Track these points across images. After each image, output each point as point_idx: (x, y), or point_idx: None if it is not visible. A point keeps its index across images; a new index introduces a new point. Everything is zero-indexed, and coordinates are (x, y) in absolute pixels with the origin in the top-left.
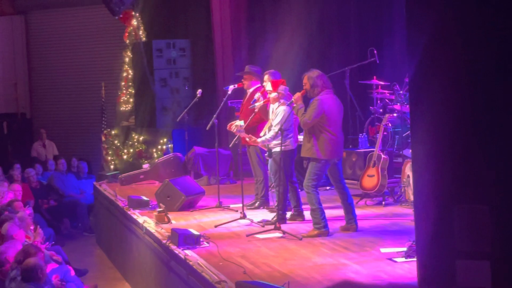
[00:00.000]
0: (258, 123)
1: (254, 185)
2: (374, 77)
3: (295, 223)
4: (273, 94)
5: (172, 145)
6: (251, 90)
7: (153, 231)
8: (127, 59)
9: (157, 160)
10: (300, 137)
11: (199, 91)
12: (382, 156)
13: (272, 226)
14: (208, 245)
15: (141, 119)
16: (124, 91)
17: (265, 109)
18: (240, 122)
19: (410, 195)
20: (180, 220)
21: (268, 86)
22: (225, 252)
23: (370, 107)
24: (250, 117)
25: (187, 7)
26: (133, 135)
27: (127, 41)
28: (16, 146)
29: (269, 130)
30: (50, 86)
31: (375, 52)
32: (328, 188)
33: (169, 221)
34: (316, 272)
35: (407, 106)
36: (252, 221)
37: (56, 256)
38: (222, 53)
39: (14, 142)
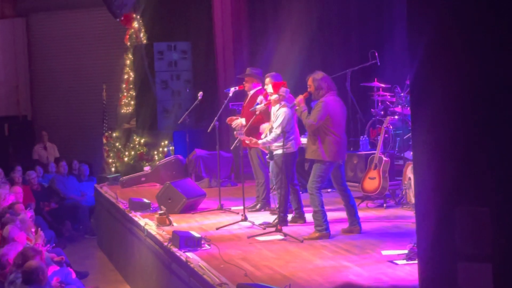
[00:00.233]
0: (259, 124)
1: (255, 187)
2: (375, 79)
3: (296, 225)
4: (274, 96)
5: (173, 148)
6: (252, 92)
7: (154, 233)
8: (128, 62)
9: (158, 163)
10: (303, 140)
11: (200, 93)
12: (383, 158)
13: (274, 229)
14: (209, 247)
15: (142, 122)
16: (125, 94)
17: (267, 111)
18: (241, 120)
19: (412, 197)
20: (181, 223)
21: (269, 88)
22: (226, 254)
23: (371, 110)
24: (252, 119)
25: (188, 9)
26: (134, 137)
27: (128, 43)
28: (17, 148)
29: (270, 132)
30: (51, 89)
31: (376, 54)
32: (329, 190)
33: (170, 224)
34: (317, 274)
35: (408, 108)
36: (253, 223)
37: (57, 258)
38: (223, 55)
39: (15, 144)
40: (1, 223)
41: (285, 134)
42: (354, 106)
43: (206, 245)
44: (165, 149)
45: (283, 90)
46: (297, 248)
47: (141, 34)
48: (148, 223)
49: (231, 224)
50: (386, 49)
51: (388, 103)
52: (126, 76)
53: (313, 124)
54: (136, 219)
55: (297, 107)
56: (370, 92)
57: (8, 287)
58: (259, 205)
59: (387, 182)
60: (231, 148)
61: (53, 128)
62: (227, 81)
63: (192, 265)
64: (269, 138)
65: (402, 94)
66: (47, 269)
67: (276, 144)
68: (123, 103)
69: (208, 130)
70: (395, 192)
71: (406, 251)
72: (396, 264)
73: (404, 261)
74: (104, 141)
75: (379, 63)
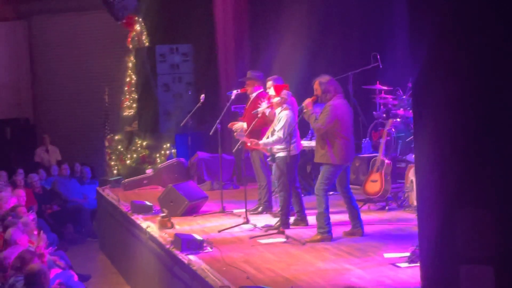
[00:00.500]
0: (261, 127)
1: (257, 190)
2: (377, 82)
3: (298, 228)
4: (276, 99)
5: (175, 150)
6: (254, 95)
7: (156, 236)
8: (130, 64)
9: (160, 165)
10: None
11: (202, 96)
12: (386, 161)
13: (276, 231)
14: (211, 250)
15: (144, 124)
16: (127, 96)
17: (272, 114)
18: (242, 124)
19: (414, 200)
20: (184, 225)
21: (271, 91)
22: (229, 257)
23: (373, 112)
24: (254, 122)
25: (190, 12)
26: (137, 140)
27: (130, 46)
28: (19, 151)
29: (272, 135)
30: (53, 91)
31: (378, 57)
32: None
33: (172, 226)
34: (319, 277)
35: (410, 111)
36: (255, 226)
37: (59, 261)
38: (225, 58)
39: (17, 147)
40: (3, 226)
41: (291, 137)
42: (356, 108)
43: (208, 248)
44: (167, 152)
45: (284, 93)
46: (299, 251)
47: (143, 37)
48: (150, 226)
49: (233, 227)
50: (388, 52)
51: (390, 106)
52: (128, 79)
53: (320, 128)
54: (138, 221)
55: (305, 110)
56: (372, 94)
57: None
58: (261, 207)
59: (389, 184)
60: (233, 150)
61: (55, 130)
62: (229, 84)
63: (194, 268)
64: (270, 139)
65: (404, 96)
66: (49, 272)
67: (278, 146)
68: (125, 105)
69: (210, 133)
70: (397, 194)
71: (408, 254)
72: (398, 266)
73: (406, 264)
74: (106, 143)
75: (381, 66)
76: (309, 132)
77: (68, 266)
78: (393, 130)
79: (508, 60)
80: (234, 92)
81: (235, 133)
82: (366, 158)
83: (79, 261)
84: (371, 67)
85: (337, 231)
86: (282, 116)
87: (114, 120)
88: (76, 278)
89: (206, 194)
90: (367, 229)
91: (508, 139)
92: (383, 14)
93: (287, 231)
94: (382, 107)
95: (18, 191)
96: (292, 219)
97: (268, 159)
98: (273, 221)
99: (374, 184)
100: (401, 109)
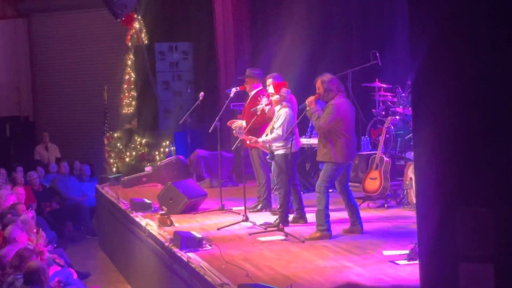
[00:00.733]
0: (260, 125)
1: (256, 187)
2: (377, 79)
3: (298, 225)
4: (275, 97)
5: (174, 148)
6: (253, 93)
7: (155, 233)
8: (129, 62)
9: (160, 163)
10: (303, 140)
11: (201, 94)
12: (385, 158)
13: (275, 229)
14: (210, 247)
15: (144, 122)
16: (127, 94)
17: (271, 112)
18: (241, 122)
19: (413, 197)
20: (183, 223)
21: (270, 89)
22: (228, 254)
23: (373, 110)
24: (253, 119)
25: (190, 10)
26: (136, 137)
27: (130, 44)
28: (18, 149)
29: (271, 132)
30: (52, 89)
31: (378, 54)
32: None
33: (171, 224)
34: (318, 274)
35: (409, 108)
36: (254, 223)
37: (59, 259)
38: (224, 55)
39: (16, 145)
40: (2, 224)
41: (292, 135)
42: (355, 106)
43: (207, 246)
44: (166, 150)
45: (284, 90)
46: (298, 249)
47: (142, 35)
48: (149, 224)
49: (232, 225)
50: (387, 49)
51: (389, 104)
52: (127, 77)
53: (322, 127)
54: (137, 219)
55: (307, 108)
56: (371, 92)
57: None
58: (260, 205)
59: (388, 182)
60: (233, 148)
61: (55, 128)
62: (228, 82)
63: (193, 266)
64: (269, 137)
65: (403, 94)
66: (49, 269)
67: (277, 144)
68: (124, 103)
69: (210, 131)
70: (396, 192)
71: (407, 252)
72: (398, 264)
73: (406, 262)
74: (106, 141)
75: (380, 63)
76: (308, 129)
77: (67, 263)
78: (392, 127)
79: (508, 59)
80: (233, 89)
81: (234, 131)
82: (365, 155)
83: (78, 259)
84: (370, 65)
85: (336, 229)
86: (281, 113)
87: (113, 118)
88: (75, 275)
89: (205, 191)
90: (366, 226)
91: (508, 137)
92: (382, 12)
93: (286, 229)
94: (381, 104)
95: (17, 188)
96: (291, 217)
97: (267, 157)
98: (272, 218)
99: (373, 182)
100: (400, 106)
